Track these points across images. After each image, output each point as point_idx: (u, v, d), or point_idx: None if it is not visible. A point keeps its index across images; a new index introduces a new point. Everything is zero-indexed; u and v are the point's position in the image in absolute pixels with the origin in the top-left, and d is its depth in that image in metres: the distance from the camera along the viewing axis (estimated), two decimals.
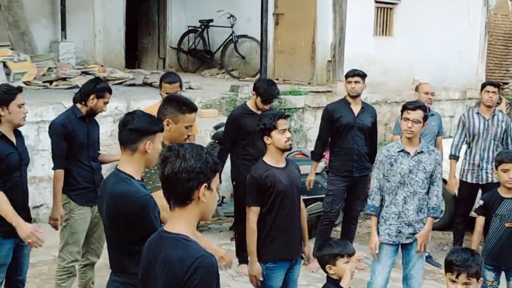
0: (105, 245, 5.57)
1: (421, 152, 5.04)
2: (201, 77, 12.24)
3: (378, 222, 5.13)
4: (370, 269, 5.37)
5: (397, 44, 11.74)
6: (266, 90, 6.13)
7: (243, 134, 6.33)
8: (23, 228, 4.31)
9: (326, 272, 3.97)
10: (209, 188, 2.51)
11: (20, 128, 4.68)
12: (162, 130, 3.39)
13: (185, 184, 2.45)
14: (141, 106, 8.73)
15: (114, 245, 3.30)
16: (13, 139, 4.52)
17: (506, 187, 5.07)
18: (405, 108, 5.04)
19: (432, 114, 7.03)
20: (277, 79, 11.37)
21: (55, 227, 5.11)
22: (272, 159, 4.56)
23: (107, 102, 5.16)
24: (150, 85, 10.44)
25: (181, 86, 5.74)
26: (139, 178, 3.31)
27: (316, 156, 6.89)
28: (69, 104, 7.96)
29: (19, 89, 4.59)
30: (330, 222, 6.72)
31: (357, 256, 4.12)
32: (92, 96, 5.05)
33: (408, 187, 5.01)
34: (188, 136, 4.00)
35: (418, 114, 4.97)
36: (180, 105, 3.91)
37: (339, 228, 7.33)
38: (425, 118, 5.04)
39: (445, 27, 12.18)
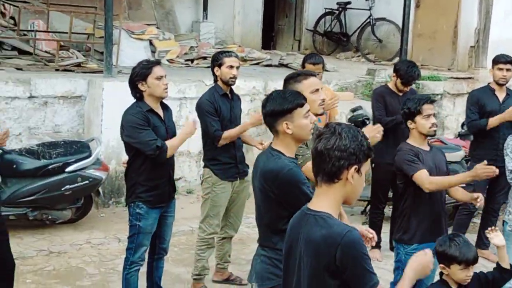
0: (243, 219, 5.82)
1: None
2: (336, 60, 12.17)
3: None
4: None
5: None
6: (406, 71, 6.04)
7: (385, 114, 6.26)
8: (186, 127, 4.63)
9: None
10: (358, 171, 2.48)
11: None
12: (300, 105, 3.26)
13: (336, 162, 2.44)
14: (278, 86, 8.84)
15: (264, 220, 3.35)
16: (161, 113, 4.65)
17: None
18: None
19: None
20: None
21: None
22: (415, 142, 4.49)
23: (232, 66, 5.17)
24: (286, 66, 10.52)
25: (323, 68, 5.74)
26: (292, 155, 3.31)
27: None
28: (209, 82, 8.24)
29: (156, 62, 4.66)
30: (469, 213, 6.48)
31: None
32: (215, 69, 5.21)
33: None
34: (323, 101, 3.84)
35: None
36: (294, 77, 3.81)
37: (477, 220, 7.06)
38: None
39: None
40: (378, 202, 6.50)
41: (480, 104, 6.34)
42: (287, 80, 3.85)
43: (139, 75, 4.50)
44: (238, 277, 5.71)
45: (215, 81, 5.29)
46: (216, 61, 5.21)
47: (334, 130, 2.47)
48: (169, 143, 4.53)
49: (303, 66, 5.79)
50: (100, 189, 6.85)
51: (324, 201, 2.51)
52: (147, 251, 4.83)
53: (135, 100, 4.62)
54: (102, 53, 8.63)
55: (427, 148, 4.52)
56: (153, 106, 4.57)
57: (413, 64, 6.14)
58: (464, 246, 3.63)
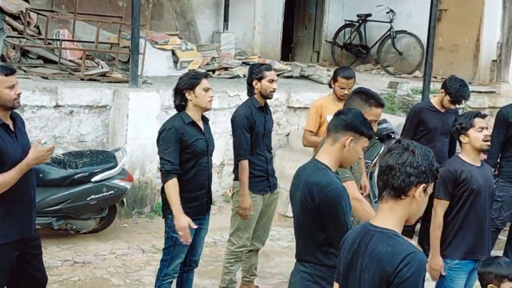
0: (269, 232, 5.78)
1: None
2: (355, 72, 12.06)
3: None
4: None
5: None
6: (458, 90, 5.93)
7: (423, 130, 6.22)
8: (180, 220, 4.43)
9: None
10: (425, 190, 2.48)
11: None
12: (370, 137, 3.37)
13: (406, 177, 2.44)
14: (300, 98, 8.85)
15: (304, 234, 3.32)
16: (201, 126, 4.67)
17: None
18: None
19: None
20: (435, 77, 11.01)
21: (244, 216, 5.19)
22: (468, 158, 4.50)
23: (273, 80, 5.18)
24: (307, 77, 10.51)
25: (354, 82, 5.72)
26: (335, 171, 3.32)
27: (492, 163, 6.50)
28: (233, 93, 8.28)
29: (205, 75, 4.73)
30: (496, 229, 6.39)
31: None
32: (254, 82, 5.19)
33: None
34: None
35: None
36: (368, 97, 3.89)
37: (502, 237, 6.99)
38: None
39: None
40: None
41: (510, 121, 6.27)
42: (359, 94, 3.93)
43: (188, 84, 4.56)
44: None
45: (252, 94, 5.27)
46: (256, 74, 5.19)
47: (407, 146, 2.49)
48: (172, 189, 4.47)
49: (335, 79, 5.75)
50: (124, 199, 6.85)
51: (389, 217, 2.50)
52: None
53: (177, 111, 4.67)
54: (125, 63, 8.67)
55: (478, 163, 4.52)
56: (195, 117, 4.60)
57: (464, 84, 6.02)
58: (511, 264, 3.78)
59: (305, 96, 8.82)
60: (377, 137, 7.55)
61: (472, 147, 4.44)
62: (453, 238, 4.45)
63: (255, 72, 5.19)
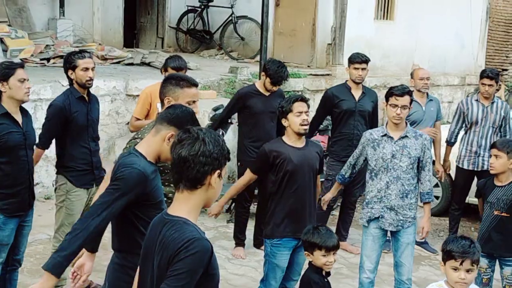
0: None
1: (406, 137, 4.96)
2: (199, 58, 12.15)
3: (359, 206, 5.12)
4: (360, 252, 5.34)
5: (398, 29, 11.65)
6: (276, 72, 6.04)
7: (249, 114, 6.30)
8: None
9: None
10: (220, 175, 2.50)
11: None
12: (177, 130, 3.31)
13: (200, 168, 2.43)
14: (139, 86, 8.68)
15: (117, 224, 3.29)
16: (19, 118, 4.46)
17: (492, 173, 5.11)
18: (392, 94, 4.92)
19: (431, 100, 6.98)
20: None
21: None
22: (289, 139, 4.68)
23: (87, 68, 4.99)
24: (149, 64, 10.36)
25: (186, 70, 5.68)
26: (152, 161, 3.24)
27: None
28: (66, 82, 7.89)
29: (20, 64, 4.53)
30: (328, 206, 6.68)
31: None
32: (69, 72, 5.03)
33: (391, 172, 4.93)
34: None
35: (406, 100, 4.90)
36: (178, 80, 3.82)
37: (336, 213, 7.32)
38: (410, 103, 4.98)
39: (446, 12, 12.10)
40: (242, 200, 6.55)
41: (335, 102, 6.55)
42: (169, 80, 3.84)
43: (0, 74, 4.35)
44: (99, 285, 5.53)
45: (71, 84, 5.08)
46: (69, 63, 5.01)
47: (197, 135, 2.46)
48: None
49: (165, 69, 5.68)
50: None
51: (184, 207, 2.49)
52: None
53: None
54: None
55: (300, 145, 4.68)
56: (11, 109, 4.39)
57: (282, 65, 6.17)
58: (325, 234, 3.99)
59: (144, 84, 8.61)
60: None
61: (292, 130, 4.62)
62: (274, 217, 4.62)
63: (68, 61, 5.02)
